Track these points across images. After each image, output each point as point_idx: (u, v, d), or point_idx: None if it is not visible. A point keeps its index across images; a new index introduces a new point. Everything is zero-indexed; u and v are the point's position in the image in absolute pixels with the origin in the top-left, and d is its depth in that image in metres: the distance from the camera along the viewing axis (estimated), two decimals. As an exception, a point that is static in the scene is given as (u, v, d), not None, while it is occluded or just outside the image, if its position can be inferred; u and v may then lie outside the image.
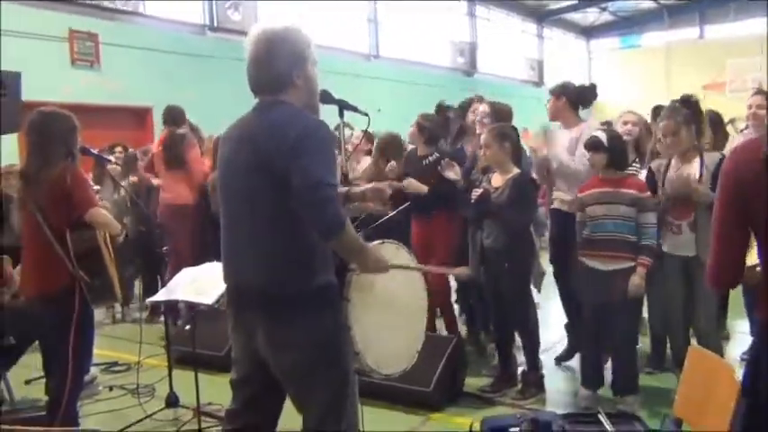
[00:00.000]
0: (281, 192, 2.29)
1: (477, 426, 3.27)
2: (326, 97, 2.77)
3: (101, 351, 5.32)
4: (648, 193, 4.11)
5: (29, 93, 7.82)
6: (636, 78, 22.28)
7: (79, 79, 10.12)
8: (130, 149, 8.10)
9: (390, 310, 2.77)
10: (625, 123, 5.16)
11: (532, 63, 22.84)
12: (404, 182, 4.91)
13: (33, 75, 8.34)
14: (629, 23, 24.79)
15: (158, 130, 11.15)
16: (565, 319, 5.22)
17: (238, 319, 2.53)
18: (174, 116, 6.67)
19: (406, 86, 15.96)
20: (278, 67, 2.45)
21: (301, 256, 2.37)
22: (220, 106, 11.36)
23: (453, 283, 5.73)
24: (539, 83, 22.39)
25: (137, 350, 4.37)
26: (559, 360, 5.12)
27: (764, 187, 1.91)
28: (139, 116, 11.42)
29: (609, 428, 2.76)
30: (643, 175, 4.49)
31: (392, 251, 2.86)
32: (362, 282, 2.59)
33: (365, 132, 5.42)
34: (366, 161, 6.12)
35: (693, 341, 4.07)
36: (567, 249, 4.57)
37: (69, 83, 9.91)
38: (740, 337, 5.39)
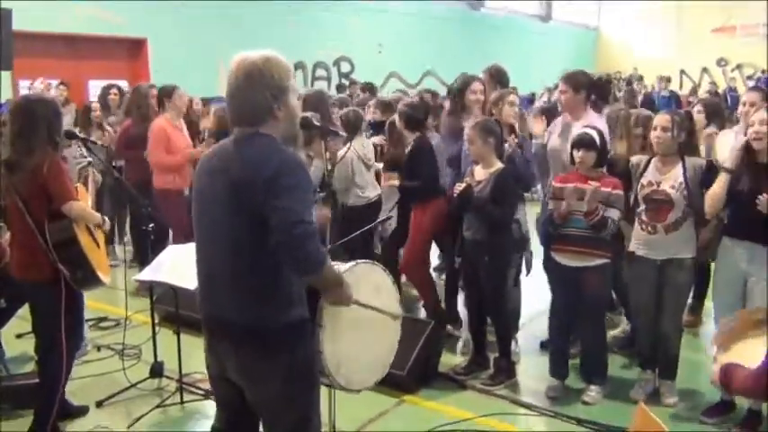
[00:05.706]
0: (259, 229, 2.30)
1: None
2: (307, 124, 2.79)
3: (89, 302, 5.37)
4: (621, 191, 4.10)
5: (22, 23, 7.68)
6: (645, 14, 21.76)
7: (73, 9, 9.88)
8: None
9: (362, 326, 2.78)
10: None
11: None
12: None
13: (26, 4, 8.17)
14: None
15: (154, 62, 11.02)
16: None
17: (212, 346, 2.60)
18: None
19: (409, 19, 15.61)
20: (257, 101, 2.41)
21: (279, 290, 2.41)
22: (219, 38, 11.18)
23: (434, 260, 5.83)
24: (545, 18, 21.87)
25: (124, 302, 4.50)
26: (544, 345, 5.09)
27: None
28: (135, 48, 11.24)
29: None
30: None
31: (366, 270, 2.89)
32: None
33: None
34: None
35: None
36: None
37: (63, 13, 9.71)
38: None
